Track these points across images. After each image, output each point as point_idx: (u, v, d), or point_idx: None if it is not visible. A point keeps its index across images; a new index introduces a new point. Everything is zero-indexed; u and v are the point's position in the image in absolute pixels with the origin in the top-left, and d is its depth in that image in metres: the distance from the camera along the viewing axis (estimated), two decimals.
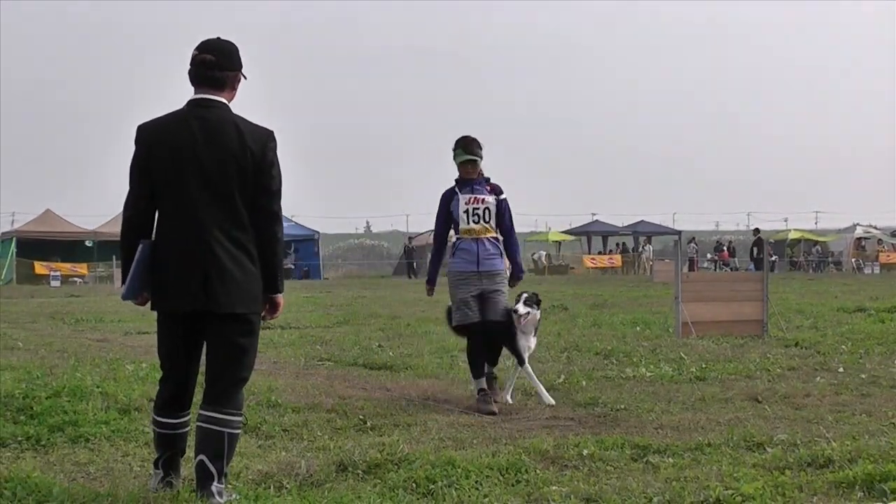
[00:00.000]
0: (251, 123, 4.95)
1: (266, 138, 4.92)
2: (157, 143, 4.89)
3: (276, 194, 4.96)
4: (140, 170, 4.94)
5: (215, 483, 4.85)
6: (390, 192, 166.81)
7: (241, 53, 5.05)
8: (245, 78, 5.10)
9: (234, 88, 5.02)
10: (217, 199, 4.84)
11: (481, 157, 8.13)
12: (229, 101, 5.00)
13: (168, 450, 5.13)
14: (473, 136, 8.16)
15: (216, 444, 4.86)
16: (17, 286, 41.39)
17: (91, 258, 47.98)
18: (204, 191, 4.83)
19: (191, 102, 4.96)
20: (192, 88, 5.00)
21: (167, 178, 4.87)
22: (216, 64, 4.92)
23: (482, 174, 8.20)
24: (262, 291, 4.98)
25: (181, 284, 4.86)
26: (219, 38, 5.03)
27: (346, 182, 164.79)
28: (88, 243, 49.23)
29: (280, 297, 5.11)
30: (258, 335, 5.08)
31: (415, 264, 52.37)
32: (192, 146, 4.84)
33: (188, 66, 4.99)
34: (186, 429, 5.17)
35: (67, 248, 48.82)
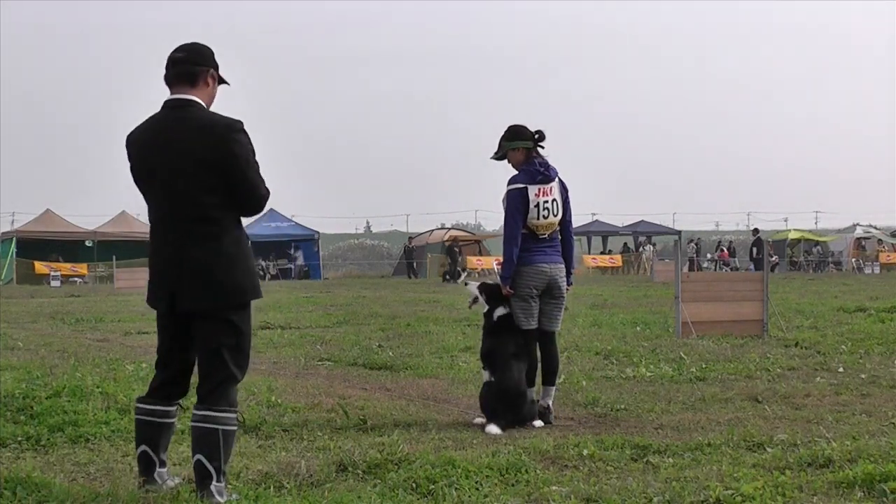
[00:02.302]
0: (217, 117, 4.97)
1: (228, 130, 4.91)
2: (135, 148, 5.04)
3: (248, 185, 4.92)
4: (133, 178, 5.12)
5: (214, 482, 4.86)
6: (390, 192, 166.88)
7: (215, 56, 5.10)
8: (226, 83, 5.16)
9: (207, 84, 5.05)
10: (185, 197, 4.91)
11: (499, 146, 7.65)
12: (206, 99, 5.04)
13: (142, 441, 5.14)
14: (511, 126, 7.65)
15: (210, 442, 4.87)
16: (17, 286, 41.39)
17: (91, 258, 47.96)
18: (172, 190, 4.92)
19: (164, 104, 5.05)
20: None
21: (145, 182, 5.04)
22: (186, 59, 5.01)
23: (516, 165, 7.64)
24: (243, 285, 4.96)
25: (158, 285, 5.02)
26: (192, 41, 5.12)
27: (346, 182, 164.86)
28: (88, 243, 49.21)
29: None
30: (244, 331, 5.01)
31: (415, 264, 52.31)
32: (160, 148, 4.94)
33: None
34: (166, 420, 5.17)
35: (67, 248, 48.81)
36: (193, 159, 4.86)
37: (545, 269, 7.48)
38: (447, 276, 41.97)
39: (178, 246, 4.92)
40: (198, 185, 4.87)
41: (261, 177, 4.97)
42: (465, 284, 8.00)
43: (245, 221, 5.20)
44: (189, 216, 4.90)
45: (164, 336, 5.13)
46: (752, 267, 42.73)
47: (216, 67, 5.09)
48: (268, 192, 5.02)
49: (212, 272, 4.89)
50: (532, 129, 7.58)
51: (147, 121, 5.06)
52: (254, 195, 4.96)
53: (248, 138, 4.95)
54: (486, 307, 7.61)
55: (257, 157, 5.04)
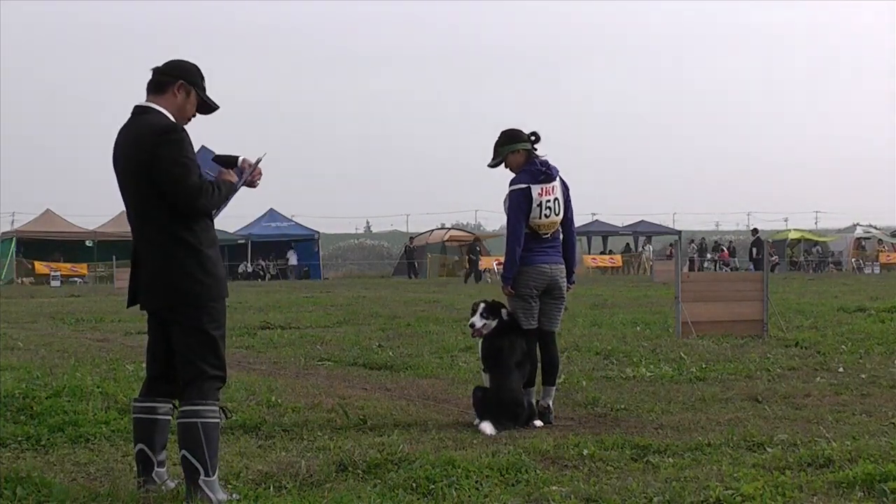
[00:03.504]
0: (155, 122, 5.01)
1: (156, 134, 4.95)
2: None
3: (183, 186, 4.90)
4: None
5: (202, 477, 4.89)
6: (390, 192, 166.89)
7: (197, 73, 5.18)
8: (213, 106, 5.22)
9: (174, 95, 5.11)
10: (136, 201, 5.05)
11: (496, 153, 7.62)
12: (172, 110, 5.08)
13: (138, 439, 5.21)
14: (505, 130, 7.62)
15: (192, 435, 4.92)
16: (17, 286, 41.38)
17: (91, 258, 47.97)
18: (127, 195, 5.09)
19: (131, 111, 5.15)
20: None
21: (119, 185, 5.17)
22: (160, 70, 5.15)
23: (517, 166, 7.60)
24: (187, 287, 4.97)
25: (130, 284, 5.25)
26: (180, 59, 5.24)
27: (346, 182, 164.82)
28: (88, 243, 49.23)
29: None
30: (204, 330, 5.01)
31: (415, 264, 52.29)
32: (116, 153, 5.11)
33: None
34: (158, 417, 5.21)
35: (67, 248, 48.81)
36: (135, 162, 4.98)
37: (546, 269, 7.47)
38: (475, 276, 41.84)
39: (135, 247, 5.12)
40: (139, 188, 4.99)
41: (190, 174, 4.92)
42: (471, 327, 7.54)
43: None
44: (138, 219, 5.07)
45: (149, 333, 5.26)
46: (752, 267, 42.72)
47: (190, 82, 5.14)
48: (198, 187, 4.92)
49: (156, 274, 5.01)
50: (526, 131, 7.57)
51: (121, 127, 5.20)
52: (180, 191, 4.91)
53: (180, 140, 4.95)
54: (495, 322, 7.50)
55: (266, 158, 5.17)
